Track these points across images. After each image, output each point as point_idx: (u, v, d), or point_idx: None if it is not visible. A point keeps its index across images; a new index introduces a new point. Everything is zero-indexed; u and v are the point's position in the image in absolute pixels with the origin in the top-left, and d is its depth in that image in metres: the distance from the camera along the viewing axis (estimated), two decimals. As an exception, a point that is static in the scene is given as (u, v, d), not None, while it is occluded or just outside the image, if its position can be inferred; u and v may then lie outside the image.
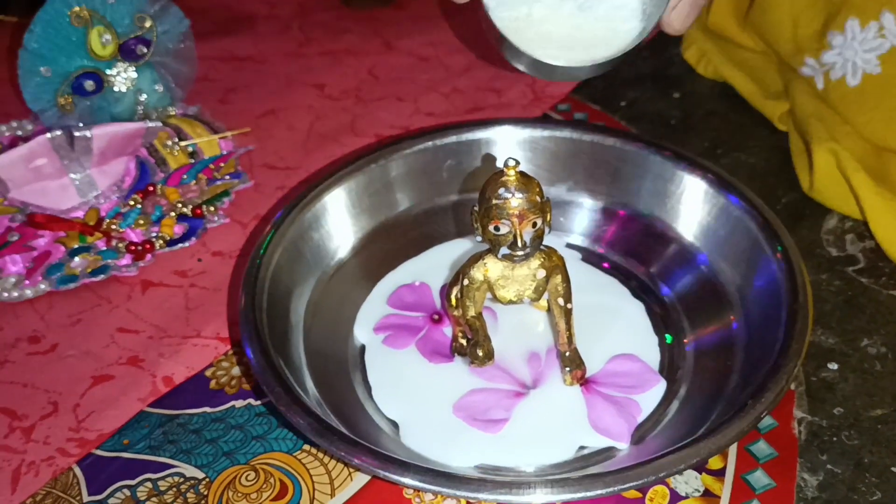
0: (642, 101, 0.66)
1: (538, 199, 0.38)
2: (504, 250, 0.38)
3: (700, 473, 0.40)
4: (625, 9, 0.41)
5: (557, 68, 0.40)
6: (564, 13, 0.42)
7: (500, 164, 0.39)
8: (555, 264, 0.41)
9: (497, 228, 0.38)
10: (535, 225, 0.38)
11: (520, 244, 0.38)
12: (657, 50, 0.72)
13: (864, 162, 0.53)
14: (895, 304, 0.48)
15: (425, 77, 0.71)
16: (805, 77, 0.60)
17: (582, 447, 0.41)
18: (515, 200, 0.37)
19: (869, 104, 0.55)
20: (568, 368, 0.43)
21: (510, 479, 0.35)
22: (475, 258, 0.41)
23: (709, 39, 0.69)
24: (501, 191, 0.37)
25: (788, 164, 0.58)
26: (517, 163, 0.37)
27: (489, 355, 0.41)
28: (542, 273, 0.40)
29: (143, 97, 0.62)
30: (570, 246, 0.51)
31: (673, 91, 0.67)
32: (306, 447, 0.42)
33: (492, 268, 0.40)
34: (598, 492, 0.34)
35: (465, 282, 0.41)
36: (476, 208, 0.39)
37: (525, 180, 0.37)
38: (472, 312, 0.42)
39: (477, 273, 0.41)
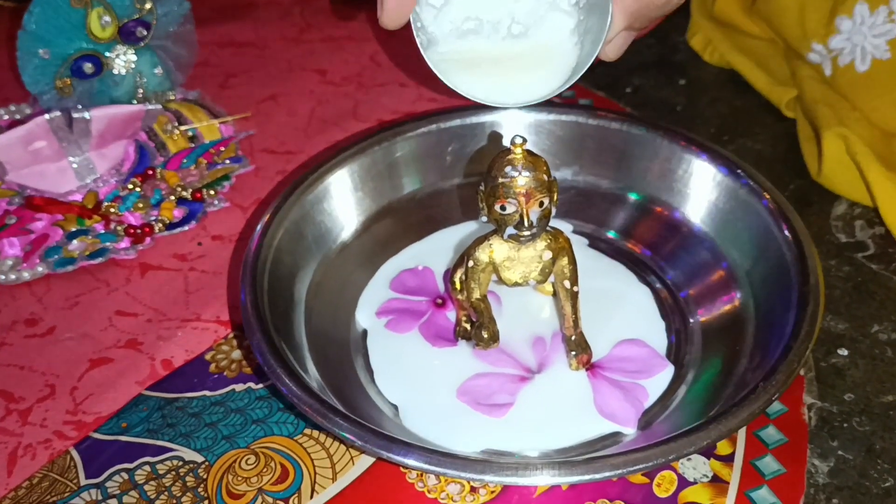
0: (647, 88, 0.66)
1: (545, 177, 0.37)
2: (510, 230, 0.38)
3: (709, 459, 0.39)
4: (559, 44, 0.41)
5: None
6: (496, 46, 0.41)
7: (506, 143, 0.38)
8: (561, 246, 0.40)
9: (503, 208, 0.37)
10: (541, 204, 0.37)
11: (526, 224, 0.37)
12: (662, 37, 0.71)
13: (874, 147, 0.52)
14: (905, 290, 0.47)
15: (427, 64, 0.70)
16: (812, 63, 0.59)
17: (588, 432, 0.40)
18: (522, 179, 0.36)
19: (878, 89, 0.54)
20: (573, 353, 0.42)
21: (515, 462, 0.34)
22: (480, 240, 0.40)
23: (715, 26, 0.68)
24: (508, 169, 0.36)
25: (795, 151, 0.57)
26: (524, 140, 0.37)
27: (494, 337, 0.40)
28: (548, 255, 0.40)
29: (143, 80, 0.61)
30: (577, 232, 0.51)
31: (678, 78, 0.67)
32: (307, 431, 0.41)
33: (497, 249, 0.40)
34: (605, 474, 0.33)
35: (470, 263, 0.40)
36: (482, 187, 0.38)
37: (532, 158, 0.37)
38: (476, 294, 0.41)
39: (482, 254, 0.40)
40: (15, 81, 0.60)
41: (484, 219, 0.39)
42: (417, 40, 0.38)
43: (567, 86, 0.42)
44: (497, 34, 0.43)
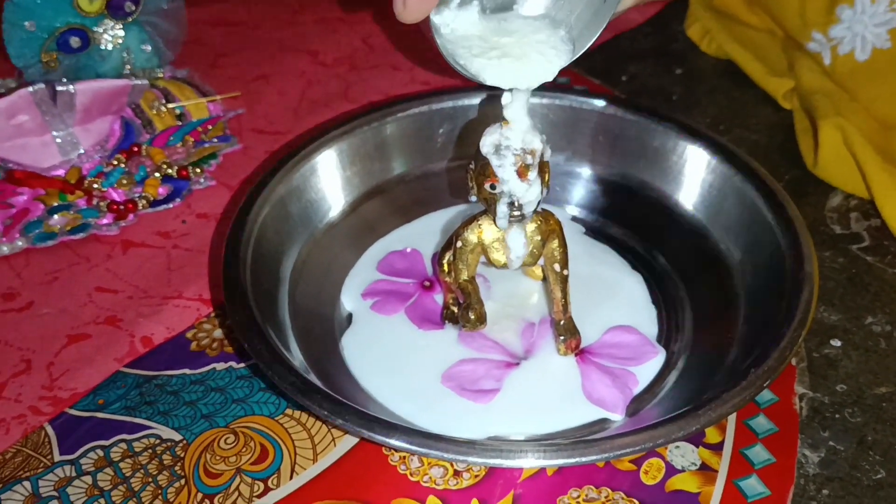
0: (644, 77, 0.65)
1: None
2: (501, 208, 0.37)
3: (697, 447, 0.38)
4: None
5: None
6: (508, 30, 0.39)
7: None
8: (552, 228, 0.39)
9: (493, 186, 0.36)
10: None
11: (516, 203, 0.36)
12: (660, 26, 0.70)
13: (872, 139, 0.51)
14: (900, 282, 0.47)
15: (421, 47, 0.69)
16: (811, 53, 0.58)
17: (575, 418, 0.39)
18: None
19: (878, 79, 0.53)
20: (562, 337, 0.41)
21: (500, 443, 0.33)
22: (469, 220, 0.39)
23: (713, 16, 0.67)
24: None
25: (791, 142, 0.57)
26: (516, 117, 0.36)
27: (481, 319, 0.39)
28: (538, 236, 0.39)
29: (131, 56, 0.60)
30: (575, 219, 0.50)
31: (675, 67, 0.66)
32: (289, 411, 0.40)
33: (486, 230, 0.39)
34: (591, 458, 0.33)
35: (459, 244, 0.39)
36: (472, 166, 0.37)
37: (524, 135, 0.36)
38: (464, 276, 0.40)
39: (471, 235, 0.39)
40: (0, 54, 0.59)
41: (473, 199, 0.38)
42: (433, 27, 0.36)
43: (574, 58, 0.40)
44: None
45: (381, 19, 0.72)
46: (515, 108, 0.36)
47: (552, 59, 0.35)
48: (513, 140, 0.35)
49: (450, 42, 0.35)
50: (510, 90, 0.36)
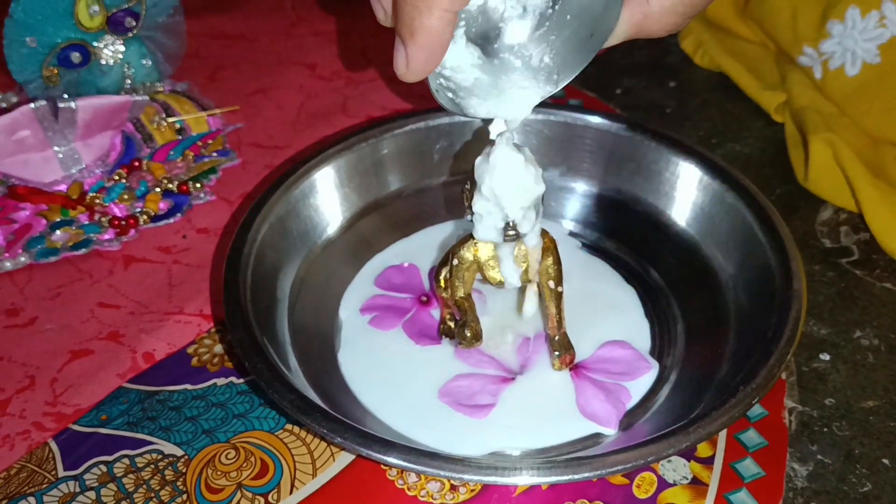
0: (638, 90, 0.66)
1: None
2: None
3: (689, 461, 0.39)
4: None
5: None
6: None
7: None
8: (546, 246, 0.40)
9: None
10: (527, 205, 0.37)
11: (511, 224, 0.37)
12: (654, 39, 0.71)
13: (861, 154, 0.52)
14: (888, 296, 0.47)
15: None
16: (803, 67, 0.59)
17: (569, 433, 0.40)
18: (508, 178, 0.36)
19: (868, 94, 0.54)
20: (557, 353, 0.42)
21: (495, 461, 0.34)
22: (465, 238, 0.40)
23: (706, 29, 0.68)
24: (494, 168, 0.36)
25: (783, 156, 0.57)
26: (511, 138, 0.36)
27: (477, 336, 0.40)
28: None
29: (131, 71, 0.61)
30: (572, 234, 0.51)
31: (669, 80, 0.67)
32: (288, 426, 0.41)
33: (482, 248, 0.40)
34: (585, 475, 0.33)
35: (455, 262, 0.40)
36: (468, 186, 0.38)
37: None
38: (460, 293, 0.41)
39: (467, 253, 0.40)
40: (0, 69, 0.59)
41: (469, 218, 0.39)
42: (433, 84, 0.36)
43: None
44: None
45: (378, 33, 0.73)
46: (503, 150, 0.36)
47: (531, 94, 0.36)
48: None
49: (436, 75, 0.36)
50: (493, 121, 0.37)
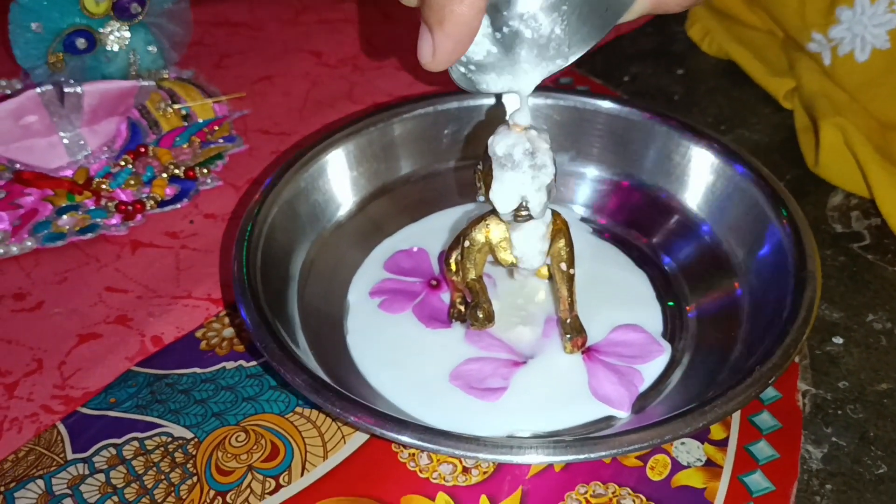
0: (645, 77, 0.65)
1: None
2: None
3: (702, 443, 0.39)
4: None
5: None
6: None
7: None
8: (559, 228, 0.40)
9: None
10: (540, 184, 0.37)
11: (524, 203, 0.37)
12: (661, 26, 0.71)
13: (872, 139, 0.52)
14: (901, 280, 0.47)
15: (425, 48, 0.69)
16: (812, 53, 0.59)
17: (582, 415, 0.40)
18: (521, 156, 0.36)
19: (878, 80, 0.54)
20: (568, 336, 0.42)
21: (508, 440, 0.33)
22: (477, 220, 0.40)
23: (713, 16, 0.68)
24: (507, 146, 0.36)
25: (792, 142, 0.57)
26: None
27: (489, 317, 0.40)
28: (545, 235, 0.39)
29: (136, 58, 0.61)
30: (584, 220, 0.50)
31: (676, 67, 0.66)
32: (299, 409, 0.41)
33: (494, 229, 0.39)
34: (598, 454, 0.33)
35: (466, 243, 0.40)
36: (479, 167, 0.38)
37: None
38: (472, 275, 0.40)
39: (478, 234, 0.39)
40: (6, 55, 0.59)
41: (481, 198, 0.38)
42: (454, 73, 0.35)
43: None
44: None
45: (384, 20, 0.73)
46: (523, 114, 0.36)
47: (542, 67, 0.35)
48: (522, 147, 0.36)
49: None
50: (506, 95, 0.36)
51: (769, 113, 0.61)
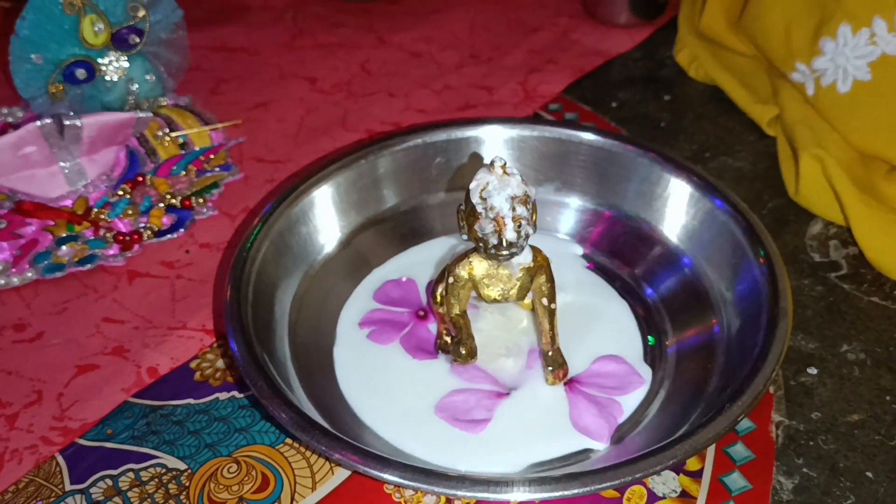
0: (633, 103, 0.67)
1: (524, 199, 0.38)
2: (490, 249, 0.38)
3: (678, 474, 0.40)
4: None
5: None
6: None
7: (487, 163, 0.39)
8: (539, 264, 0.41)
9: (482, 228, 0.38)
10: (520, 225, 0.38)
11: (504, 244, 0.38)
12: (649, 52, 0.72)
13: (850, 170, 0.53)
14: (876, 310, 0.48)
15: (417, 73, 0.71)
16: (795, 83, 0.60)
17: (562, 447, 0.41)
18: (500, 201, 0.37)
19: (859, 111, 0.55)
20: (550, 368, 0.43)
21: (489, 477, 0.35)
22: (461, 257, 0.41)
23: (700, 43, 0.69)
24: (487, 190, 0.37)
25: (775, 169, 0.58)
26: (504, 163, 0.37)
27: (472, 353, 0.41)
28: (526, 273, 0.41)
29: (135, 87, 0.62)
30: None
31: (664, 93, 0.68)
32: (289, 440, 0.42)
33: (477, 266, 0.41)
34: (576, 491, 0.34)
35: (451, 280, 0.41)
36: (462, 207, 0.39)
37: (511, 180, 0.38)
38: (456, 310, 0.42)
39: (462, 271, 0.41)
40: (6, 84, 0.60)
41: (465, 237, 0.40)
42: None
43: None
44: None
45: (379, 44, 0.74)
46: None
47: None
48: (500, 194, 0.37)
49: None
50: None
51: (753, 140, 0.62)
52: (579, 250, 0.52)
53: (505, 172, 0.38)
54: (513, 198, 0.37)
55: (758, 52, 0.65)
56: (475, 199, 0.38)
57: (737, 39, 0.67)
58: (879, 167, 0.54)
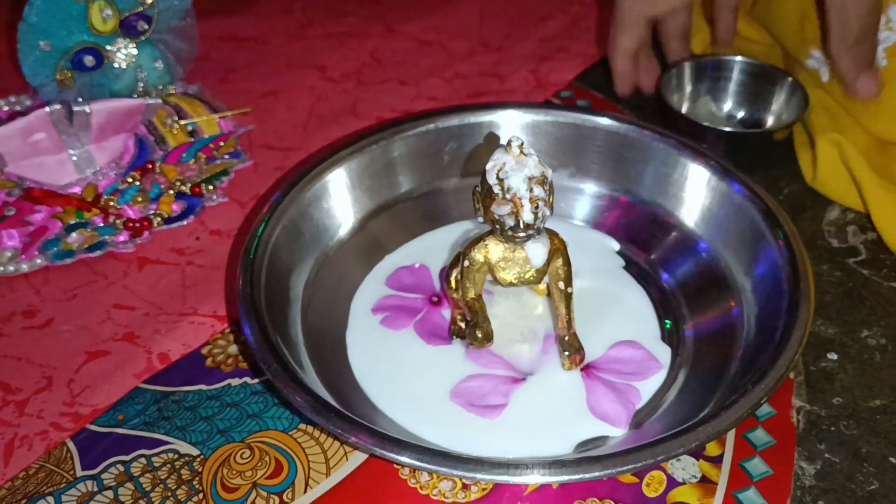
0: (645, 90, 0.66)
1: (542, 179, 0.37)
2: (507, 231, 0.38)
3: (697, 460, 0.40)
4: None
5: None
6: None
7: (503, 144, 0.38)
8: (556, 247, 0.40)
9: (499, 209, 0.37)
10: (537, 206, 0.37)
11: (522, 226, 0.37)
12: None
13: (868, 155, 0.52)
14: (895, 296, 0.48)
15: (427, 62, 0.70)
16: (810, 69, 0.59)
17: (580, 432, 0.40)
18: (518, 181, 0.37)
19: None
20: (567, 353, 0.42)
21: (506, 460, 0.34)
22: (476, 240, 0.41)
23: (713, 30, 0.68)
24: (504, 171, 0.37)
25: (791, 156, 0.58)
26: (521, 143, 0.37)
27: (488, 337, 0.41)
28: (543, 256, 0.40)
29: (143, 74, 0.62)
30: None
31: (676, 80, 0.67)
32: (302, 426, 0.42)
33: (492, 249, 0.40)
34: (595, 474, 0.34)
35: (466, 263, 0.41)
36: (478, 188, 0.39)
37: (529, 160, 0.37)
38: (471, 294, 0.41)
39: (477, 254, 0.40)
40: (15, 72, 0.60)
41: (480, 219, 0.39)
42: None
43: None
44: None
45: (388, 34, 0.74)
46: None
47: None
48: (517, 174, 0.36)
49: None
50: None
51: (768, 127, 0.61)
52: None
53: (522, 153, 0.37)
54: (530, 178, 0.37)
55: (771, 39, 0.64)
56: (492, 180, 0.37)
57: (750, 26, 0.66)
58: (897, 152, 0.54)
